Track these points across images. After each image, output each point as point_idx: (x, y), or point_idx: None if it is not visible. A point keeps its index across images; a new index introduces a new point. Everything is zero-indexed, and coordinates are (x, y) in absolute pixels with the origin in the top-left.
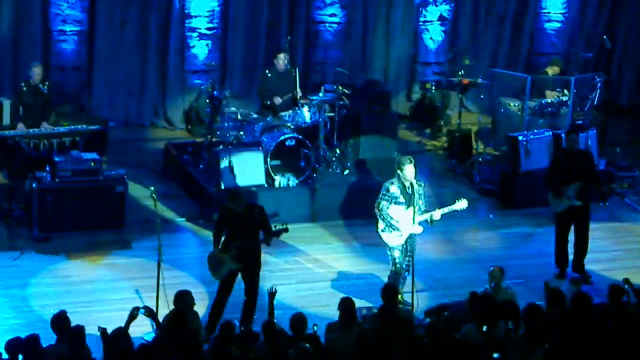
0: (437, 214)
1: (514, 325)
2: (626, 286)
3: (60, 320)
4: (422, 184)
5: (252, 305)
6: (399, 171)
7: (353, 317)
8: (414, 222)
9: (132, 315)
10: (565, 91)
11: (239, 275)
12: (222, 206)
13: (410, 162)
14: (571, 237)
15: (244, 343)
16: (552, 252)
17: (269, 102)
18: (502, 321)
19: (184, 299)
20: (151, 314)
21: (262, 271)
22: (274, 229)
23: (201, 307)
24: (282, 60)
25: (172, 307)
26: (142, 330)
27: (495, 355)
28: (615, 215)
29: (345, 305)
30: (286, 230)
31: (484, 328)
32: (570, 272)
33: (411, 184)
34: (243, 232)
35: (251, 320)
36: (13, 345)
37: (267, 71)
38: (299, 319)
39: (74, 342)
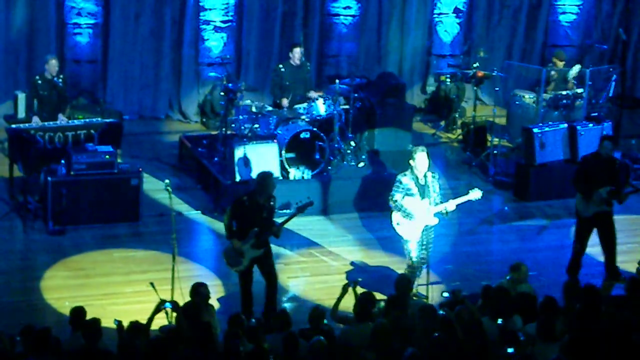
0: (451, 205)
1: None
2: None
3: (77, 315)
4: (437, 176)
5: (275, 293)
6: (411, 161)
7: (368, 310)
8: (428, 213)
9: (158, 309)
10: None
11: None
12: (244, 197)
13: (423, 151)
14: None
15: (256, 335)
16: (567, 245)
17: (278, 101)
18: (518, 315)
19: (199, 291)
20: (177, 309)
21: (278, 263)
22: (299, 204)
23: (215, 301)
24: (297, 54)
25: (187, 299)
26: (157, 323)
27: (510, 350)
28: (629, 207)
29: (362, 299)
30: (311, 203)
31: (499, 321)
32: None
33: (425, 175)
34: (261, 220)
35: (275, 310)
36: (27, 333)
37: (280, 66)
38: (318, 313)
39: (89, 334)
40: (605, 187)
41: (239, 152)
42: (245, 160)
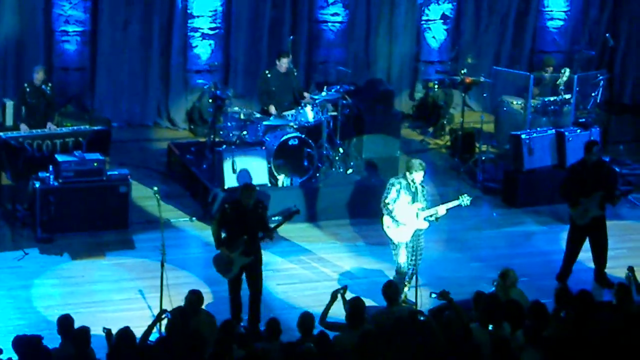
0: (441, 210)
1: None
2: (629, 274)
3: (64, 323)
4: (424, 186)
5: (258, 301)
6: (407, 172)
7: (360, 317)
8: (417, 217)
9: (159, 318)
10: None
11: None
12: (226, 204)
13: (422, 170)
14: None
15: (246, 342)
16: (556, 250)
17: (265, 108)
18: (506, 321)
19: (187, 297)
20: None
21: (267, 270)
22: (283, 213)
23: (206, 307)
24: (284, 63)
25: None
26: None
27: None
28: (618, 213)
29: (354, 304)
30: (297, 212)
31: (490, 327)
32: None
33: (414, 181)
34: (248, 228)
35: (259, 318)
36: (21, 343)
37: (267, 72)
38: (308, 319)
39: (78, 343)
40: (597, 192)
41: (227, 160)
42: (234, 167)
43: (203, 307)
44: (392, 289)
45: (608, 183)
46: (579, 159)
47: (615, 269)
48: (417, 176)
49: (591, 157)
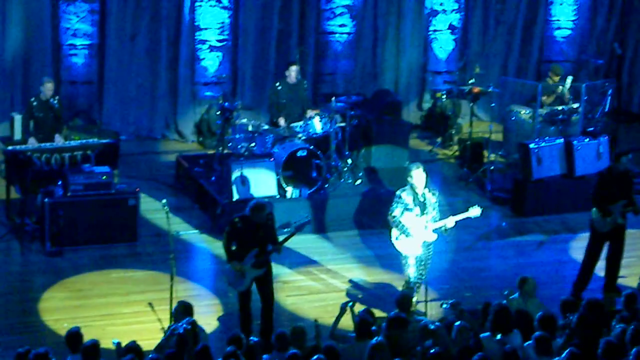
0: (450, 222)
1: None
2: None
3: (74, 337)
4: (436, 193)
5: (271, 313)
6: (409, 178)
7: (368, 328)
8: (426, 229)
9: (172, 333)
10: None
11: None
12: (235, 218)
13: (418, 168)
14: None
15: (254, 355)
16: (565, 260)
17: (275, 120)
18: (517, 330)
19: (175, 308)
20: (194, 329)
21: (276, 282)
22: (297, 222)
23: (215, 320)
24: (294, 72)
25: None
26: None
27: None
28: (628, 221)
29: (362, 317)
30: (309, 222)
31: (499, 336)
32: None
33: (424, 192)
34: (259, 240)
35: (271, 329)
36: (24, 356)
37: (277, 84)
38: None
39: (88, 357)
40: (620, 201)
41: (235, 171)
42: (242, 180)
43: (215, 319)
44: (405, 300)
45: (631, 192)
46: (587, 167)
47: (626, 278)
48: (417, 175)
49: (618, 167)
